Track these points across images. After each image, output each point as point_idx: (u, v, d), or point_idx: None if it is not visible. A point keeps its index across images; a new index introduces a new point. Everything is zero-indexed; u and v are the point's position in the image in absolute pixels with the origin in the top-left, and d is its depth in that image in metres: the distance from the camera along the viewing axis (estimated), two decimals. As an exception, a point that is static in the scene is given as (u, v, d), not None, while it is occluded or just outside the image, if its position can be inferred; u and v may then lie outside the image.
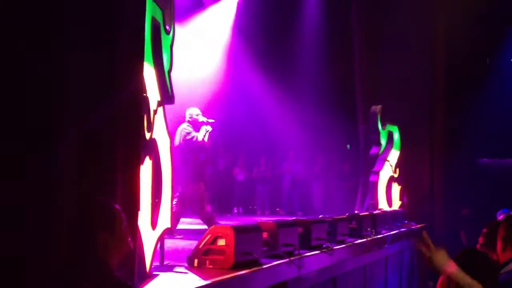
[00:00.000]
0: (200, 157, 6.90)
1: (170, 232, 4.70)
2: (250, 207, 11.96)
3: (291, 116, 12.48)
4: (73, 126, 2.50)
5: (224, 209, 11.42)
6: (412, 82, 10.24)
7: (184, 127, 6.84)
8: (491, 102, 10.86)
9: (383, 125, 8.90)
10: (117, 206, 2.26)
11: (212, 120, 6.96)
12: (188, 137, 6.75)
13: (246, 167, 12.18)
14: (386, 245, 6.52)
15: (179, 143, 6.76)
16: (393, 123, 9.31)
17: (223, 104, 12.43)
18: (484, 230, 4.26)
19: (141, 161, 3.17)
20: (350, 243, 5.57)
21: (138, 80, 3.04)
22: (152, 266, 3.41)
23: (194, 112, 6.95)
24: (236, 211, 11.79)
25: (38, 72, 2.35)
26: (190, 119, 6.91)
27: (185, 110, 6.97)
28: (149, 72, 3.54)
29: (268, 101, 12.62)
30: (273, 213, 11.52)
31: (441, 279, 2.37)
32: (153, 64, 3.62)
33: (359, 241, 5.80)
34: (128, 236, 2.21)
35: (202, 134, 6.79)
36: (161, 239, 3.63)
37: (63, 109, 2.45)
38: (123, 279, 2.18)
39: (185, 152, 6.73)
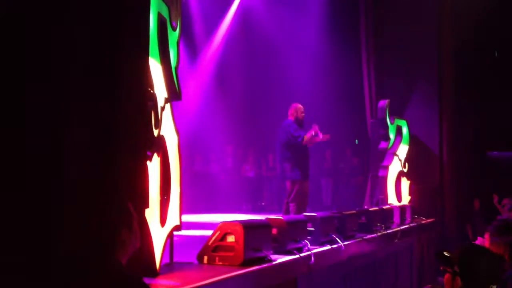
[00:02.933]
0: (307, 155, 6.93)
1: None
2: (259, 204, 11.95)
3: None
4: (78, 123, 2.49)
5: (232, 206, 11.41)
6: (421, 76, 10.17)
7: (291, 125, 6.80)
8: (500, 94, 10.76)
9: (392, 119, 8.85)
10: (129, 203, 2.26)
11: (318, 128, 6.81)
12: (295, 135, 6.74)
13: (255, 164, 12.16)
14: (396, 240, 6.48)
15: (286, 140, 6.75)
16: (402, 117, 9.26)
17: (233, 102, 12.42)
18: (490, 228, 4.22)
19: (149, 158, 3.16)
20: (360, 239, 5.54)
21: (144, 76, 3.02)
22: (162, 263, 3.40)
23: (300, 109, 6.92)
24: (245, 208, 11.78)
25: (39, 69, 2.33)
26: (294, 116, 6.88)
27: (291, 105, 6.91)
28: (156, 69, 3.53)
29: (275, 97, 12.59)
30: (281, 209, 11.50)
31: (447, 276, 2.33)
32: (160, 61, 3.60)
33: (369, 236, 5.77)
34: (138, 234, 2.21)
35: (308, 138, 6.74)
36: (170, 237, 3.62)
37: (67, 106, 2.43)
38: (136, 276, 2.17)
39: (293, 151, 6.76)
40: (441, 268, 2.42)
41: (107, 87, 2.68)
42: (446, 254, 2.39)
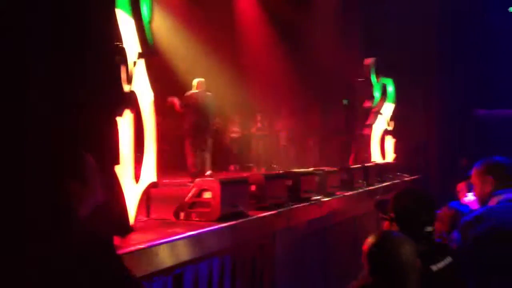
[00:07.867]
0: None
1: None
2: (247, 164, 11.97)
3: (287, 72, 12.34)
4: (43, 75, 2.43)
5: (220, 167, 11.42)
6: (409, 34, 10.07)
7: None
8: (487, 51, 10.69)
9: (378, 78, 8.79)
10: (90, 156, 2.21)
11: None
12: None
13: (242, 125, 12.13)
14: (377, 197, 6.53)
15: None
16: (389, 75, 9.19)
17: (222, 64, 12.27)
18: None
19: (119, 113, 3.11)
20: (340, 195, 5.58)
21: (111, 28, 2.94)
22: (137, 219, 3.40)
23: None
24: (233, 168, 11.81)
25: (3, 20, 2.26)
26: None
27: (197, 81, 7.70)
28: (128, 23, 3.44)
29: (266, 58, 12.46)
30: (269, 169, 11.55)
31: (385, 224, 2.35)
32: (131, 14, 3.51)
33: (349, 193, 5.81)
34: (99, 188, 2.17)
35: None
36: (146, 193, 3.61)
37: (31, 57, 2.37)
38: (98, 230, 2.15)
39: None
40: (380, 216, 2.44)
41: (73, 41, 2.61)
42: (383, 201, 2.43)
